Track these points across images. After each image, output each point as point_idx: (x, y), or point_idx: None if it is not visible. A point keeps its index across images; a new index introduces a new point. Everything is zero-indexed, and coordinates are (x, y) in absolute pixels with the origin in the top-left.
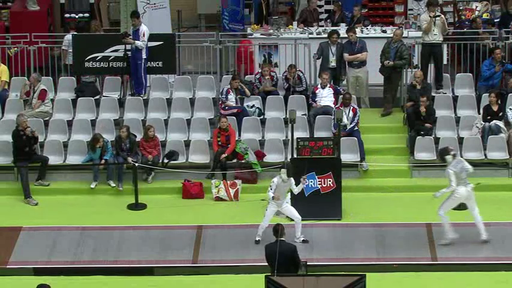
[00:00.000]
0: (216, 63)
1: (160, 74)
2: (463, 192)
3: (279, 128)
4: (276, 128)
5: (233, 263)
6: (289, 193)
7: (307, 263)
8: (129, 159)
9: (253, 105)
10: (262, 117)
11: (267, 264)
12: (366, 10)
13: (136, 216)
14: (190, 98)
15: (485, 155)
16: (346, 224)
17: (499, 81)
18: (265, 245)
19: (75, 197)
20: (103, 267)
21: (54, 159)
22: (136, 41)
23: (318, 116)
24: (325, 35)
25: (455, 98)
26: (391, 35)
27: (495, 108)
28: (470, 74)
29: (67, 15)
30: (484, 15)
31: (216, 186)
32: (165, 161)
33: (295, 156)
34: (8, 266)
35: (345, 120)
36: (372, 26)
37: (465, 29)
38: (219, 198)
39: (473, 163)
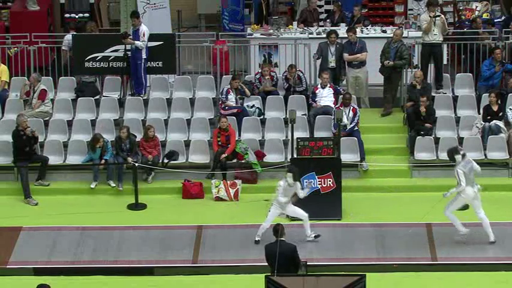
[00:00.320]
0: (216, 63)
1: (160, 74)
2: (470, 193)
3: (279, 128)
4: (276, 128)
5: (233, 263)
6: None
7: (307, 263)
8: (129, 159)
9: (253, 105)
10: (262, 117)
11: (267, 264)
12: (366, 10)
13: (136, 216)
14: (190, 98)
15: (485, 155)
16: (346, 224)
17: (499, 81)
18: (265, 245)
19: (75, 197)
20: (103, 267)
21: (54, 159)
22: (136, 41)
23: (318, 116)
24: (325, 35)
25: (455, 98)
26: (391, 35)
27: (495, 108)
28: (470, 74)
29: (67, 15)
30: (484, 15)
31: (216, 186)
32: (165, 161)
33: (295, 156)
34: (8, 266)
35: (345, 120)
36: (372, 26)
37: (465, 29)
38: (219, 198)
39: None
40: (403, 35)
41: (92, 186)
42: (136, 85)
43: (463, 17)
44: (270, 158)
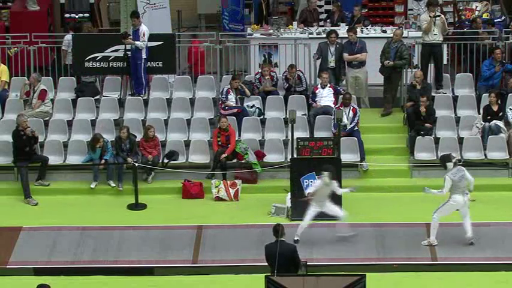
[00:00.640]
0: (216, 63)
1: (160, 74)
2: (460, 201)
3: (279, 128)
4: (276, 128)
5: (233, 263)
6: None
7: (307, 263)
8: (129, 159)
9: (253, 105)
10: (262, 117)
11: (267, 264)
12: (366, 10)
13: (136, 216)
14: (190, 98)
15: (485, 155)
16: (346, 224)
17: (499, 81)
18: (265, 245)
19: (75, 197)
20: (103, 267)
21: (54, 159)
22: (137, 41)
23: (318, 116)
24: (325, 35)
25: (455, 98)
26: (391, 35)
27: (495, 108)
28: (470, 74)
29: (67, 15)
30: (484, 15)
31: (216, 186)
32: (165, 161)
33: (295, 156)
34: (8, 266)
35: (345, 120)
36: (372, 26)
37: (465, 29)
38: (219, 198)
39: (473, 163)
40: (403, 35)
41: (92, 186)
42: (136, 85)
43: (463, 17)
44: (270, 158)
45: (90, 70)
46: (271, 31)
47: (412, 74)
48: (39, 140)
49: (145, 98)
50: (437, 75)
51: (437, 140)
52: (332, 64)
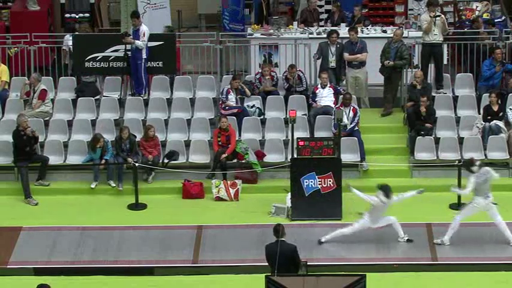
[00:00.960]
0: (216, 63)
1: (160, 74)
2: (481, 203)
3: (279, 128)
4: (276, 128)
5: (233, 263)
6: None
7: (307, 263)
8: (129, 159)
9: (254, 105)
10: (262, 117)
11: (267, 264)
12: (366, 10)
13: (136, 216)
14: (190, 98)
15: (485, 155)
16: (346, 224)
17: (499, 81)
18: (266, 245)
19: (75, 197)
20: (103, 267)
21: (54, 159)
22: (136, 41)
23: (318, 116)
24: (326, 35)
25: (455, 98)
26: (392, 35)
27: (495, 108)
28: (471, 74)
29: (67, 15)
30: (484, 15)
31: (216, 186)
32: (165, 161)
33: (295, 156)
34: (8, 266)
35: (345, 120)
36: (372, 26)
37: (465, 29)
38: (219, 198)
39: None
40: (403, 35)
41: (92, 186)
42: (137, 85)
43: (463, 17)
44: (270, 158)
45: (90, 70)
46: (272, 31)
47: (412, 74)
48: (40, 140)
49: (145, 98)
50: (437, 75)
51: (437, 140)
52: (333, 64)
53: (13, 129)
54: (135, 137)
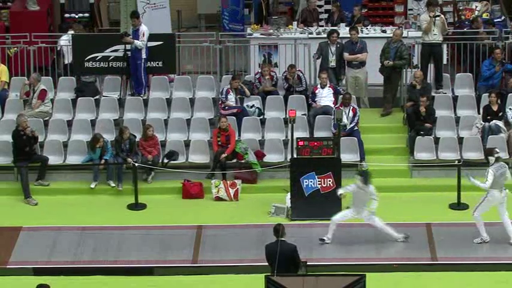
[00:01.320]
0: (216, 63)
1: (160, 74)
2: (498, 197)
3: (278, 128)
4: (276, 128)
5: (233, 263)
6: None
7: (307, 263)
8: (129, 159)
9: (253, 105)
10: (262, 117)
11: (267, 264)
12: (366, 10)
13: (136, 216)
14: (190, 98)
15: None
16: (346, 224)
17: (499, 81)
18: (266, 245)
19: (75, 197)
20: (103, 267)
21: (54, 159)
22: (136, 41)
23: (317, 116)
24: (325, 35)
25: (455, 98)
26: (391, 35)
27: (495, 108)
28: (470, 74)
29: (67, 15)
30: (484, 15)
31: (216, 186)
32: (165, 161)
33: (295, 156)
34: (8, 266)
35: (344, 120)
36: (371, 26)
37: (465, 29)
38: (219, 198)
39: (473, 163)
40: (403, 35)
41: (92, 186)
42: (136, 85)
43: (462, 17)
44: (269, 158)
45: (90, 70)
46: (271, 31)
47: (412, 74)
48: (39, 140)
49: (145, 98)
50: (437, 75)
51: (437, 140)
52: (333, 64)
53: (13, 129)
54: (135, 137)
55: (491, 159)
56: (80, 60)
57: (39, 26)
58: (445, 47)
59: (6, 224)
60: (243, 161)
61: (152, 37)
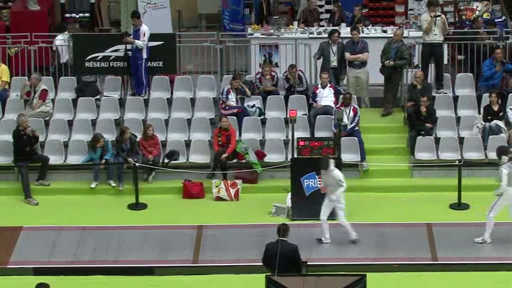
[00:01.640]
0: (217, 63)
1: (160, 74)
2: (511, 194)
3: (279, 128)
4: (277, 128)
5: (233, 263)
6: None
7: (307, 263)
8: (130, 159)
9: (254, 105)
10: (262, 117)
11: (264, 263)
12: (367, 10)
13: (136, 216)
14: (190, 98)
15: (485, 154)
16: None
17: (500, 81)
18: (266, 244)
19: (76, 197)
20: (103, 267)
21: (54, 159)
22: (137, 41)
23: (318, 116)
24: (326, 35)
25: (455, 98)
26: (392, 35)
27: (495, 108)
28: (471, 74)
29: (67, 15)
30: (485, 15)
31: (217, 186)
32: (166, 160)
33: (295, 156)
34: (8, 266)
35: (345, 120)
36: (372, 26)
37: (466, 29)
38: (219, 198)
39: (474, 163)
40: (404, 35)
41: (92, 186)
42: (137, 85)
43: (463, 17)
44: (270, 158)
45: (90, 70)
46: (272, 31)
47: (412, 74)
48: (40, 140)
49: (145, 97)
50: (437, 75)
51: (437, 140)
52: (334, 64)
53: (13, 129)
54: (136, 137)
55: (505, 158)
56: (80, 60)
57: (39, 25)
58: (445, 47)
59: (6, 224)
60: (243, 161)
61: (153, 37)
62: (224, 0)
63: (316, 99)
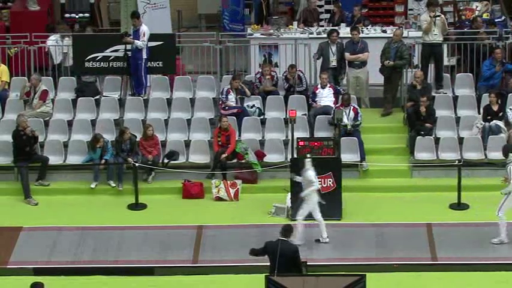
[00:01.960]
0: (217, 63)
1: (160, 74)
2: None
3: (279, 128)
4: (276, 128)
5: (233, 263)
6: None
7: (307, 263)
8: (129, 159)
9: (254, 105)
10: (262, 117)
11: (267, 262)
12: (366, 10)
13: (136, 216)
14: (190, 98)
15: (485, 155)
16: (346, 224)
17: (499, 81)
18: (266, 242)
19: (75, 197)
20: (103, 267)
21: (54, 159)
22: (136, 41)
23: (318, 116)
24: (325, 35)
25: (455, 98)
26: (391, 35)
27: (495, 108)
28: (471, 74)
29: (67, 15)
30: (484, 15)
31: (216, 186)
32: (166, 161)
33: (295, 156)
34: (8, 266)
35: (345, 120)
36: (372, 26)
37: (465, 29)
38: (219, 198)
39: (473, 163)
40: (403, 35)
41: (92, 186)
42: (137, 85)
43: (463, 17)
44: (270, 158)
45: (90, 70)
46: (272, 31)
47: (412, 74)
48: (40, 140)
49: (145, 98)
50: (437, 75)
51: (437, 140)
52: (334, 63)
53: (13, 129)
54: (136, 137)
55: (511, 156)
56: (80, 60)
57: (39, 26)
58: (445, 47)
59: (6, 224)
60: (243, 161)
61: (152, 37)
62: (224, 0)
63: (316, 99)
